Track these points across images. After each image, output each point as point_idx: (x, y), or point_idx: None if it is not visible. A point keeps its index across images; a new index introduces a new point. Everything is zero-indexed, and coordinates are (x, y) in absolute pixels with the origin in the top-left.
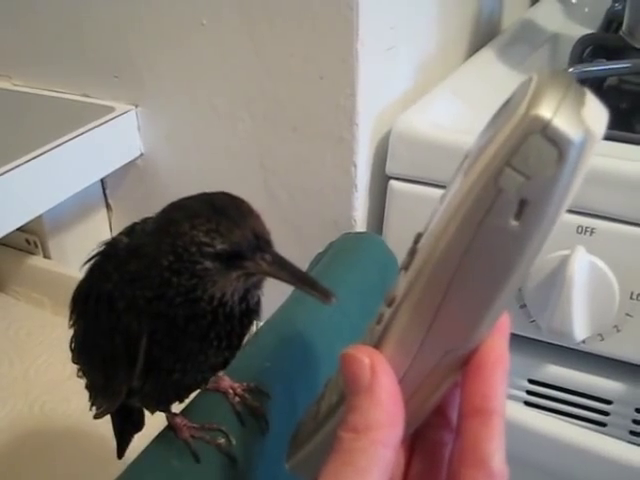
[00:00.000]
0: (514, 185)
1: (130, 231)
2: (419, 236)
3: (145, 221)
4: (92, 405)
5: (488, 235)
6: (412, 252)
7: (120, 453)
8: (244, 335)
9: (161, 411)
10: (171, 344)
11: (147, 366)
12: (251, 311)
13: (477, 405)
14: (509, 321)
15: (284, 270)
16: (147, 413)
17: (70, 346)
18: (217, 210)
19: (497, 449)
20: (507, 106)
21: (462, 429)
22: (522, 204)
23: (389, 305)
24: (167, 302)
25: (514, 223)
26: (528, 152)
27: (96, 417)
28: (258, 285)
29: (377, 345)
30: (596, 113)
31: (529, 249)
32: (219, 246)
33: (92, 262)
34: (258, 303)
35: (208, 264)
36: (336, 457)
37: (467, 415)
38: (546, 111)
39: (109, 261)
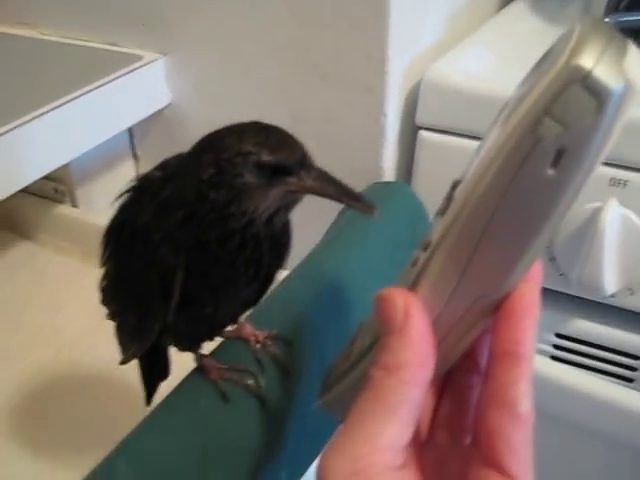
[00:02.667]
0: (552, 134)
1: (164, 166)
2: (457, 182)
3: (178, 156)
4: (122, 349)
5: (525, 183)
6: (449, 198)
7: (148, 400)
8: (272, 267)
9: (191, 351)
10: (204, 273)
11: (181, 301)
12: (279, 242)
13: (507, 349)
14: (541, 270)
15: (329, 185)
16: (173, 360)
17: (100, 286)
18: (265, 128)
19: (525, 393)
20: (548, 56)
21: (491, 372)
22: (559, 153)
23: (424, 249)
24: (198, 220)
25: (551, 172)
26: (567, 102)
27: (123, 362)
28: (287, 207)
29: (411, 288)
30: (637, 65)
31: (564, 198)
32: (265, 157)
33: (125, 197)
34: (287, 234)
35: (249, 177)
36: (366, 394)
37: (496, 358)
38: (587, 61)
39: (143, 194)
